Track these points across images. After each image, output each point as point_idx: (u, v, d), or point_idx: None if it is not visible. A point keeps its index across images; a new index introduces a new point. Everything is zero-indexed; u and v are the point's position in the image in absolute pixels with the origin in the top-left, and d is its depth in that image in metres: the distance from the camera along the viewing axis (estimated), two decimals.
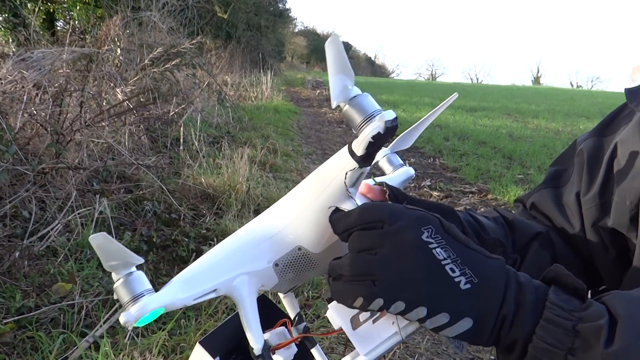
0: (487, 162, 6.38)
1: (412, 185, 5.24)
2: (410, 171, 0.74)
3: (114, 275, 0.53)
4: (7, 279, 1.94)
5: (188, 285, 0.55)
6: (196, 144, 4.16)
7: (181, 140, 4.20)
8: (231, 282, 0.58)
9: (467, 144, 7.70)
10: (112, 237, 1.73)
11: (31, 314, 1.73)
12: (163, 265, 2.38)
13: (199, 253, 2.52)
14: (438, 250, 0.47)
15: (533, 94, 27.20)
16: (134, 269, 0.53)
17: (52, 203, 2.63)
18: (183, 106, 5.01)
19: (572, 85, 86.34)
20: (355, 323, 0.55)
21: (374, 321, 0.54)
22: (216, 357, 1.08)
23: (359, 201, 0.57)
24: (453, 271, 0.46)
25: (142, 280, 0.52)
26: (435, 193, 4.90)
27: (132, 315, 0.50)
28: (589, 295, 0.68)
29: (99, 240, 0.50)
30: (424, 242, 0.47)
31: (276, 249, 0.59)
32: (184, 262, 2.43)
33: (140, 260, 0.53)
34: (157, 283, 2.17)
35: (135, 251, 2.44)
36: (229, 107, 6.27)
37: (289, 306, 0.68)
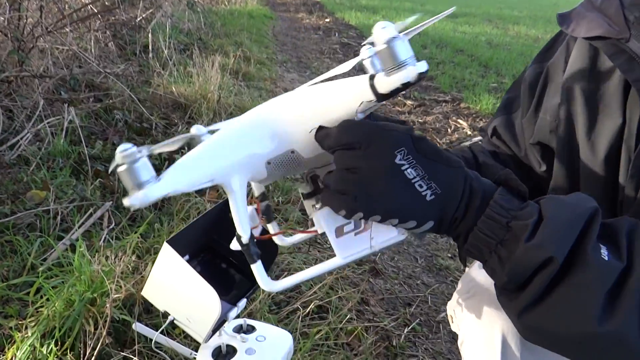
0: (463, 71, 6.37)
1: None
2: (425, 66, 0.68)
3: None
4: None
5: (188, 174, 0.57)
6: (166, 51, 4.06)
7: (150, 48, 4.08)
8: (226, 173, 0.60)
9: (445, 52, 7.62)
10: (82, 144, 1.76)
11: (7, 219, 1.79)
12: None
13: (172, 161, 2.57)
14: (409, 170, 0.53)
15: None
16: (138, 155, 0.52)
17: (19, 112, 2.60)
18: (151, 10, 4.81)
19: None
20: (339, 232, 0.62)
21: (355, 234, 0.61)
22: (185, 255, 1.17)
23: None
24: (421, 187, 0.53)
25: (148, 167, 0.52)
26: (409, 102, 4.94)
27: (135, 202, 0.52)
28: None
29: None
30: (397, 165, 0.53)
31: (271, 148, 0.61)
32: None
33: (147, 148, 0.53)
34: None
35: (107, 160, 2.48)
36: (200, 12, 6.03)
37: (256, 186, 0.72)
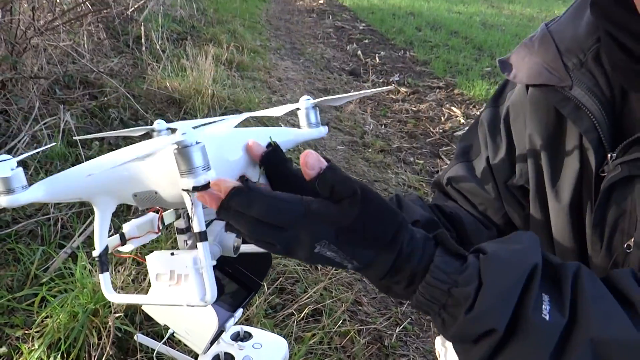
0: (457, 55, 6.37)
1: (381, 81, 5.27)
2: (322, 132, 0.77)
3: None
4: None
5: (56, 192, 0.64)
6: (159, 43, 4.06)
7: (143, 40, 4.08)
8: (94, 193, 0.65)
9: (439, 34, 7.59)
10: (79, 146, 1.79)
11: (10, 229, 1.84)
12: None
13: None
14: (328, 253, 0.54)
15: None
16: (14, 166, 0.59)
17: (16, 114, 2.63)
18: (144, 0, 4.78)
19: None
20: (157, 278, 0.64)
21: (169, 286, 0.64)
22: None
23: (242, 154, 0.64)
24: (342, 260, 0.54)
25: (20, 177, 0.59)
26: (403, 89, 4.95)
27: (2, 203, 0.59)
28: None
29: None
30: (315, 252, 0.54)
31: (136, 185, 0.65)
32: None
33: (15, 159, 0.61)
34: None
35: None
36: None
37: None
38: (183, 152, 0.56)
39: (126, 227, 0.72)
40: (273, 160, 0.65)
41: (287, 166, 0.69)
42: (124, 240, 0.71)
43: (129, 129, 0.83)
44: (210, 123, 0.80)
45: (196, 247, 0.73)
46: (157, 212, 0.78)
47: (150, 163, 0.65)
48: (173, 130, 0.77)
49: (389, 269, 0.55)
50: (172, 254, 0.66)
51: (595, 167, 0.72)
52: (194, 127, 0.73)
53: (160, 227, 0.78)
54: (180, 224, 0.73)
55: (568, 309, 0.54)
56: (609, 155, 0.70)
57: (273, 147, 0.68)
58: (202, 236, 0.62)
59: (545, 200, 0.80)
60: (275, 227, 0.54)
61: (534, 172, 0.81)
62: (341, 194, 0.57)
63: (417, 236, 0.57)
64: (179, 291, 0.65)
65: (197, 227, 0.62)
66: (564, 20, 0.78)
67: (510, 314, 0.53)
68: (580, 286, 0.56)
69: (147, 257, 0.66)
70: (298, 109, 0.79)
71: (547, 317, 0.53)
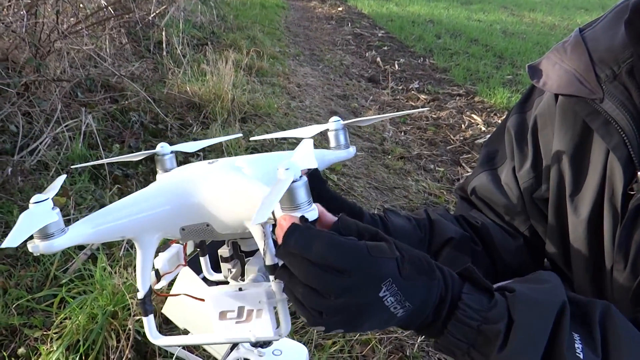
0: (477, 62, 6.31)
1: (400, 88, 5.24)
2: (351, 153, 0.78)
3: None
4: (2, 195, 2.03)
5: (100, 234, 0.58)
6: (179, 48, 4.08)
7: (164, 45, 4.10)
8: (139, 232, 0.61)
9: (459, 42, 7.54)
10: (100, 149, 1.79)
11: None
12: (152, 178, 2.46)
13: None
14: (389, 299, 0.51)
15: None
16: (51, 210, 0.54)
17: (38, 116, 2.65)
18: (165, 6, 4.82)
19: None
20: (222, 316, 0.62)
21: (236, 322, 0.61)
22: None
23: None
24: (395, 308, 0.51)
25: (58, 221, 0.54)
26: (422, 96, 4.91)
27: (39, 249, 0.54)
28: None
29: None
30: (380, 298, 0.50)
31: (188, 216, 0.62)
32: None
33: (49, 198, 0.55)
34: None
35: (124, 164, 2.52)
36: (212, 5, 6.03)
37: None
38: (289, 188, 0.51)
39: (158, 263, 0.70)
40: (313, 182, 0.63)
41: (325, 188, 0.69)
42: (158, 277, 0.69)
43: (130, 155, 0.78)
44: (212, 143, 0.78)
45: (242, 275, 0.68)
46: (178, 242, 0.74)
47: (213, 195, 0.61)
48: (178, 154, 0.74)
49: (430, 307, 0.53)
50: (241, 289, 0.63)
51: (624, 184, 0.68)
52: (198, 149, 0.70)
53: (186, 259, 0.76)
54: (225, 252, 0.71)
55: (600, 348, 0.52)
56: (639, 173, 0.67)
57: (313, 169, 0.66)
58: (276, 269, 0.58)
59: (563, 212, 0.77)
60: (336, 271, 0.49)
61: (555, 182, 0.77)
62: (369, 232, 0.55)
63: (447, 274, 0.56)
64: (248, 327, 0.62)
65: (269, 260, 0.57)
66: (599, 28, 0.75)
67: (542, 351, 0.51)
68: (610, 325, 0.54)
69: (208, 295, 0.63)
70: (328, 129, 0.78)
71: (581, 356, 0.51)
